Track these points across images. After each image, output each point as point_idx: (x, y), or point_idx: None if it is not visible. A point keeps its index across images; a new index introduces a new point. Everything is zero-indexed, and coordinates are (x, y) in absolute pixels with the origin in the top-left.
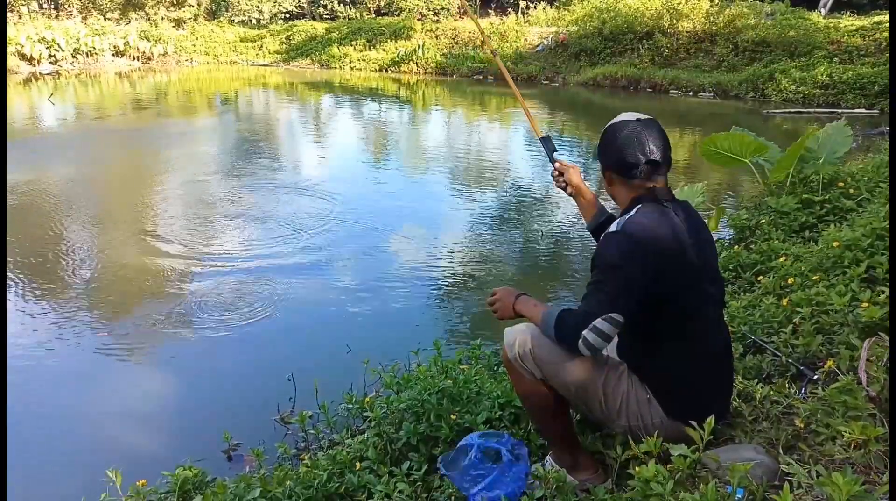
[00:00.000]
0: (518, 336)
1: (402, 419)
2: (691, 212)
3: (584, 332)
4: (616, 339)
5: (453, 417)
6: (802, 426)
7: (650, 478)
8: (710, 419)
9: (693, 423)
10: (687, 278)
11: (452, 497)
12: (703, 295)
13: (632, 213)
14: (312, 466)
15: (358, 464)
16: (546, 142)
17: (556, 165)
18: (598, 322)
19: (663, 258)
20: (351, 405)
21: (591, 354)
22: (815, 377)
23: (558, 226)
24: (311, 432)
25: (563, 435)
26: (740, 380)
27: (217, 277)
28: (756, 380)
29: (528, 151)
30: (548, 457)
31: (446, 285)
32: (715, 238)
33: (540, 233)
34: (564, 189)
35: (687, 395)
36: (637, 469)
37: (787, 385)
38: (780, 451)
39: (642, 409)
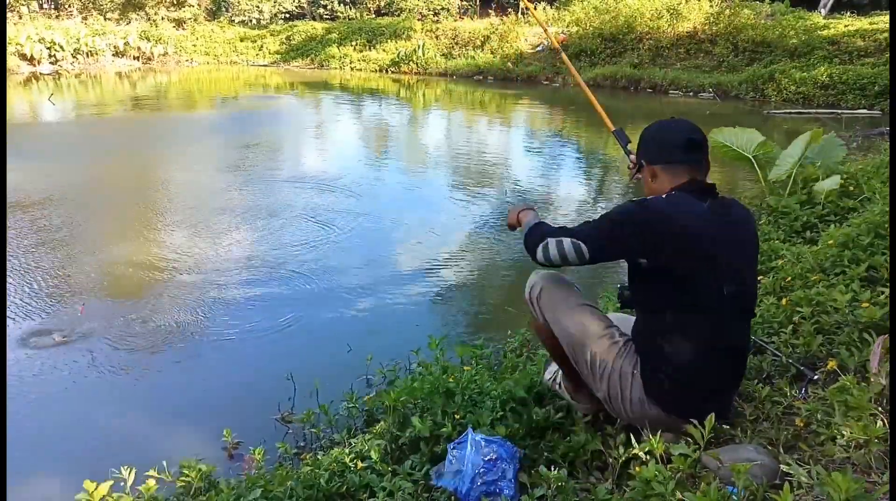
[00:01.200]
0: (532, 279)
1: (404, 417)
2: (736, 212)
3: (550, 239)
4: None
5: (457, 416)
6: (803, 426)
7: (651, 478)
8: (711, 417)
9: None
10: (695, 265)
11: (453, 498)
12: (716, 290)
13: (662, 196)
14: (313, 465)
15: (359, 463)
16: (620, 134)
17: (632, 157)
18: (566, 240)
19: (666, 237)
20: (353, 404)
21: (539, 259)
22: (816, 377)
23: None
24: (312, 431)
25: (570, 367)
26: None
27: (217, 277)
28: (756, 380)
29: (529, 151)
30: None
31: (447, 285)
32: None
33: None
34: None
35: (673, 384)
36: (638, 468)
37: (787, 385)
38: (781, 451)
39: (623, 382)
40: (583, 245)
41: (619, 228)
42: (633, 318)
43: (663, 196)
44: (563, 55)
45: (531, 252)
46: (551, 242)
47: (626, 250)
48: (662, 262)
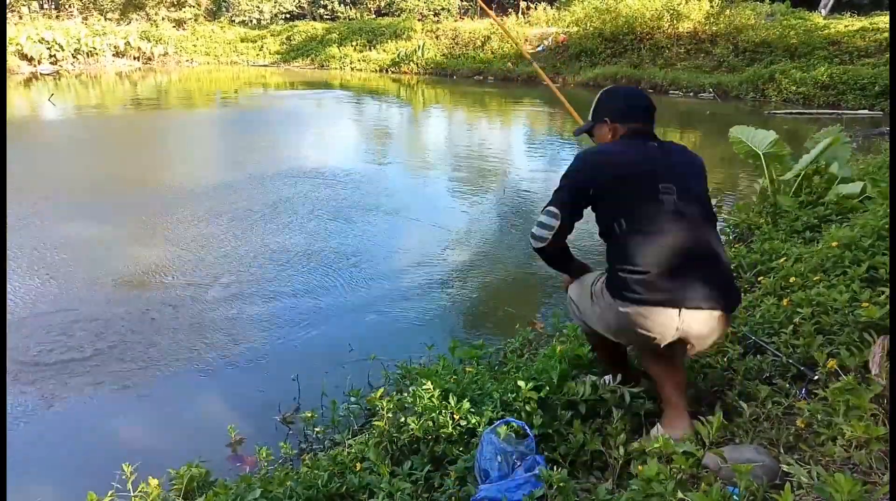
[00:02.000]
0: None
1: (404, 418)
2: (678, 147)
3: (532, 228)
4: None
5: (456, 416)
6: (803, 426)
7: (652, 478)
8: (718, 415)
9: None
10: (626, 183)
11: (453, 498)
12: (650, 195)
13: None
14: (313, 466)
15: (359, 464)
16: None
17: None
18: (541, 216)
19: (600, 165)
20: (354, 404)
21: (537, 243)
22: (816, 377)
23: None
24: (313, 432)
25: (613, 363)
26: (741, 380)
27: (217, 277)
28: (757, 381)
29: (530, 150)
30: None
31: (449, 286)
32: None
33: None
34: None
35: (627, 268)
36: (639, 468)
37: (787, 386)
38: (781, 451)
39: (600, 302)
40: (550, 208)
41: (573, 175)
42: None
43: (606, 144)
44: (535, 66)
45: (535, 249)
46: (534, 229)
47: (583, 192)
48: (606, 187)
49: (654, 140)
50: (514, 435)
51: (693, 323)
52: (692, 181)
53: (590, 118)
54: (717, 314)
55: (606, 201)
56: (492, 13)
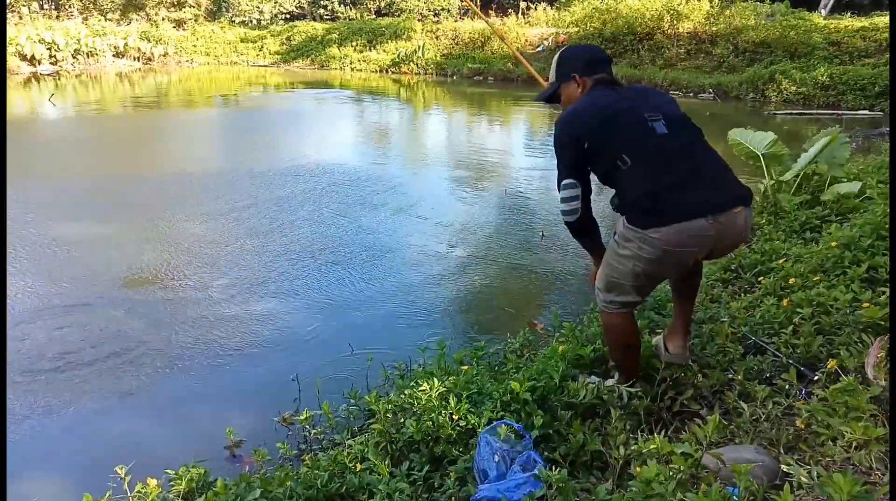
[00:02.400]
0: (596, 294)
1: (403, 419)
2: (646, 87)
3: (560, 206)
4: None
5: (455, 417)
6: (803, 426)
7: (651, 478)
8: (715, 417)
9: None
10: (615, 122)
11: (453, 498)
12: (640, 125)
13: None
14: (313, 466)
15: (358, 465)
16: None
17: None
18: (561, 193)
19: (582, 120)
20: (353, 405)
21: (571, 217)
22: (816, 377)
23: (559, 226)
24: (313, 432)
25: (627, 365)
26: (741, 380)
27: (216, 277)
28: (756, 380)
29: (531, 150)
30: (610, 381)
31: (449, 286)
32: None
33: (541, 234)
34: None
35: (645, 197)
36: (638, 469)
37: (787, 386)
38: (781, 451)
39: (628, 244)
40: (565, 181)
41: (562, 138)
42: None
43: (577, 101)
44: (499, 32)
45: (566, 222)
46: (561, 206)
47: (578, 148)
48: (597, 134)
49: (618, 84)
50: (512, 436)
51: (722, 225)
52: (671, 108)
53: (553, 79)
54: (738, 209)
55: (602, 146)
56: (482, 15)
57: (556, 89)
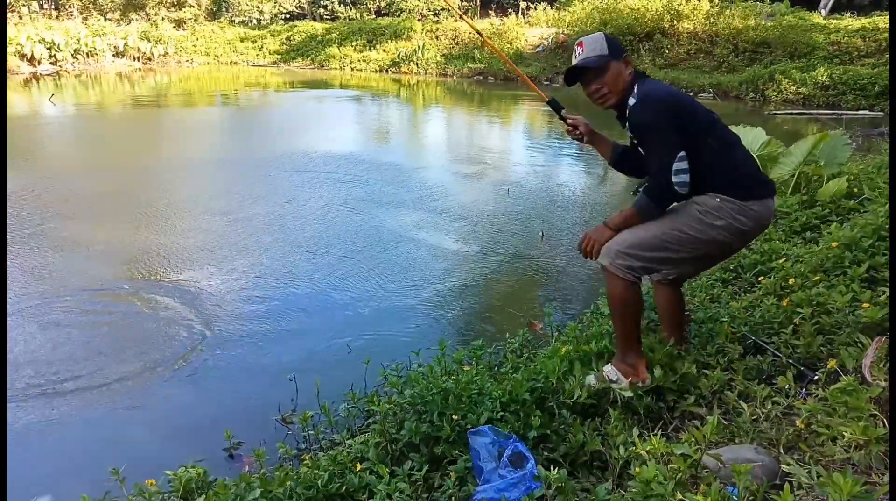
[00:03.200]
0: (605, 247)
1: (403, 419)
2: None
3: (673, 179)
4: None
5: (455, 417)
6: (803, 426)
7: (651, 478)
8: (715, 417)
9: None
10: (697, 107)
11: (453, 498)
12: (710, 114)
13: (637, 86)
14: (313, 466)
15: (358, 465)
16: (553, 103)
17: (569, 121)
18: (675, 165)
19: (678, 98)
20: (353, 405)
21: (685, 188)
22: (816, 377)
23: (559, 227)
24: (312, 432)
25: (634, 337)
26: (741, 380)
27: (217, 276)
28: (756, 380)
29: (532, 150)
30: (608, 366)
31: (448, 286)
32: None
33: (541, 235)
34: (581, 139)
35: (736, 174)
36: (638, 469)
37: (787, 386)
38: (781, 451)
39: (722, 214)
40: (679, 155)
41: (665, 121)
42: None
43: (641, 85)
44: (488, 41)
45: (673, 199)
46: (675, 179)
47: (678, 127)
48: (688, 116)
49: None
50: (497, 436)
51: (774, 205)
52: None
53: (605, 53)
54: (774, 193)
55: (696, 126)
56: (465, 18)
57: (608, 63)
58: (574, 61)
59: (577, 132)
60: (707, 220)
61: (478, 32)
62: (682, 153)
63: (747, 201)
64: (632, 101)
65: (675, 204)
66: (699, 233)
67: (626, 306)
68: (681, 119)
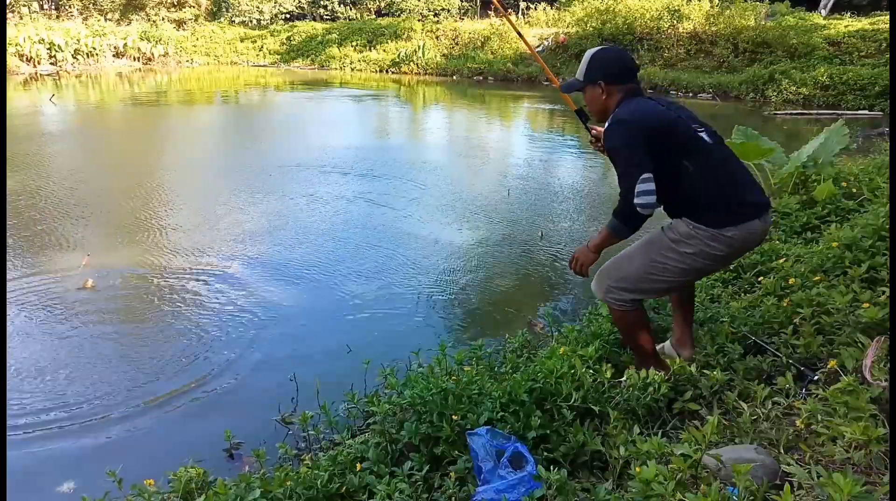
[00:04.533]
0: (596, 282)
1: (403, 419)
2: (667, 100)
3: (635, 201)
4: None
5: (455, 417)
6: (803, 426)
7: (651, 478)
8: (714, 419)
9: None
10: (673, 126)
11: (453, 498)
12: (691, 135)
13: (619, 108)
14: (313, 466)
15: (358, 465)
16: (581, 114)
17: (593, 132)
18: (639, 186)
19: (649, 120)
20: (353, 405)
21: (648, 209)
22: (816, 377)
23: (559, 227)
24: (312, 432)
25: (651, 351)
26: (741, 380)
27: (217, 277)
28: (756, 380)
29: (532, 150)
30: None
31: (448, 286)
32: None
33: (540, 234)
34: (602, 151)
35: (710, 202)
36: (638, 469)
37: (787, 386)
38: (781, 451)
39: (693, 241)
40: (643, 176)
41: (632, 140)
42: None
43: (619, 108)
44: (511, 22)
45: (635, 219)
46: (638, 200)
47: (645, 147)
48: (661, 137)
49: (646, 96)
50: (496, 434)
51: (764, 225)
52: (700, 120)
53: (580, 78)
54: (768, 215)
55: (668, 148)
56: (504, 13)
57: (581, 88)
58: None
59: (599, 144)
60: (679, 248)
61: (521, 37)
62: (648, 175)
63: (723, 228)
64: (607, 124)
65: (655, 230)
66: (676, 262)
67: (630, 327)
68: (652, 141)
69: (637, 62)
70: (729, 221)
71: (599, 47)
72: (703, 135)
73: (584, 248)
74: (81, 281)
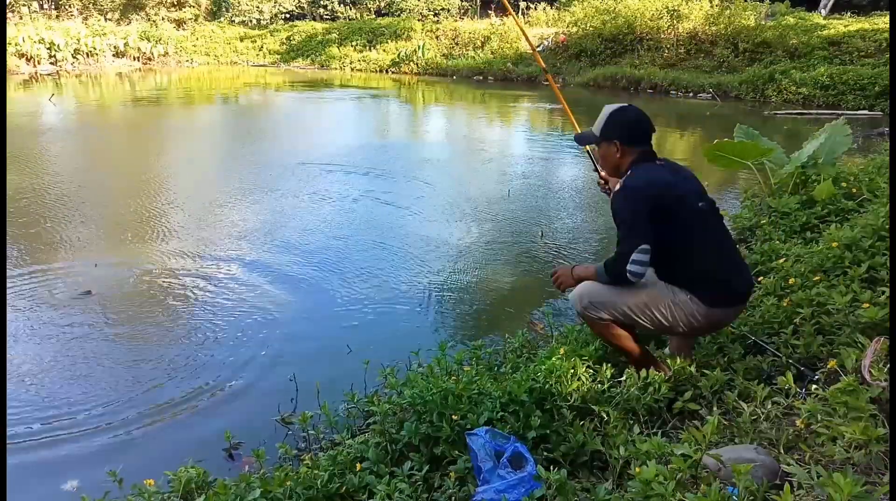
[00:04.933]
0: (577, 293)
1: (403, 419)
2: (672, 163)
3: (628, 267)
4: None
5: (455, 417)
6: (803, 426)
7: (651, 478)
8: (714, 419)
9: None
10: (680, 201)
11: (453, 498)
12: (697, 210)
13: (629, 173)
14: (313, 466)
15: (358, 465)
16: (592, 157)
17: (602, 173)
18: (635, 256)
19: (656, 193)
20: (353, 405)
21: (638, 278)
22: (816, 377)
23: (559, 227)
24: (312, 432)
25: (639, 352)
26: (741, 380)
27: (217, 276)
28: (756, 380)
29: (532, 151)
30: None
31: (448, 286)
32: None
33: (541, 233)
34: (608, 193)
35: (713, 280)
36: (638, 469)
37: (787, 386)
38: (781, 451)
39: (688, 309)
40: (642, 246)
41: (636, 211)
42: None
43: (631, 173)
44: (552, 81)
45: (622, 281)
46: (631, 267)
47: (648, 218)
48: (666, 209)
49: (659, 159)
50: (495, 434)
51: (743, 307)
52: (701, 187)
53: (596, 133)
54: (750, 295)
55: (667, 222)
56: (513, 13)
57: (596, 143)
58: None
59: (607, 187)
60: (672, 309)
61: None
62: (646, 246)
63: (714, 308)
64: (617, 187)
65: (654, 278)
66: (660, 314)
67: (610, 337)
68: (656, 212)
69: (653, 125)
70: (721, 302)
71: (619, 105)
72: (703, 206)
73: (568, 271)
74: (83, 286)
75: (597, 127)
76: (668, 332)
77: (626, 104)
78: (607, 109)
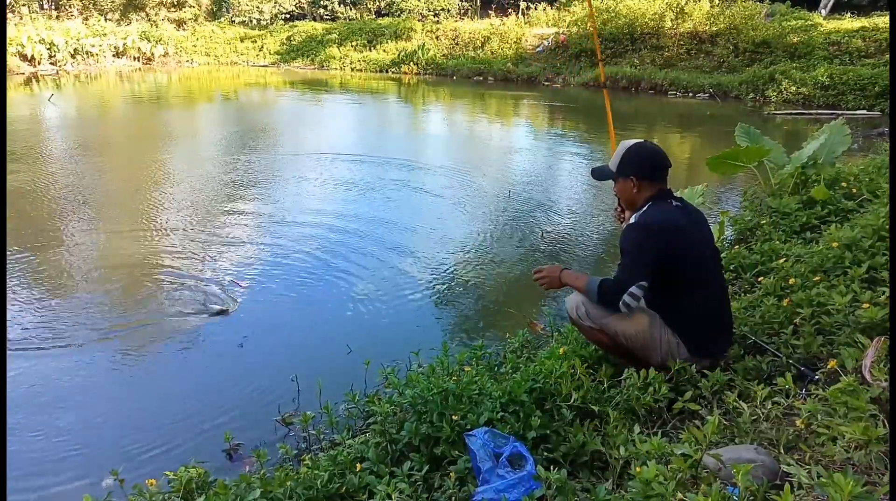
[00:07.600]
0: (573, 301)
1: (403, 419)
2: (688, 204)
3: (623, 298)
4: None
5: (455, 417)
6: (803, 426)
7: (651, 478)
8: (714, 419)
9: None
10: (688, 247)
11: (453, 498)
12: (703, 259)
13: (644, 209)
14: (313, 466)
15: (358, 465)
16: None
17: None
18: (631, 289)
19: (667, 236)
20: (353, 405)
21: (629, 311)
22: (816, 377)
23: (559, 229)
24: (312, 432)
25: (626, 352)
26: (741, 380)
27: (217, 276)
28: (756, 380)
29: (533, 151)
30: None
31: (448, 286)
32: (717, 238)
33: (541, 235)
34: (622, 221)
35: (701, 334)
36: (638, 469)
37: (787, 386)
38: (781, 451)
39: (672, 350)
40: (641, 283)
41: (644, 248)
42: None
43: (646, 209)
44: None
45: (613, 308)
46: (626, 298)
47: (655, 259)
48: (676, 255)
49: (675, 199)
50: (495, 434)
51: (714, 365)
52: (711, 238)
53: (613, 169)
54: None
55: (675, 267)
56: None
57: (614, 178)
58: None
59: (623, 216)
60: (659, 347)
61: (603, 84)
62: (644, 283)
63: (693, 356)
64: (631, 220)
65: (652, 312)
66: (647, 347)
67: (603, 343)
68: (666, 255)
69: (669, 160)
70: (702, 354)
71: (636, 142)
72: (711, 260)
73: (556, 272)
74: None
75: (613, 162)
76: (645, 357)
77: (642, 140)
78: (624, 144)
